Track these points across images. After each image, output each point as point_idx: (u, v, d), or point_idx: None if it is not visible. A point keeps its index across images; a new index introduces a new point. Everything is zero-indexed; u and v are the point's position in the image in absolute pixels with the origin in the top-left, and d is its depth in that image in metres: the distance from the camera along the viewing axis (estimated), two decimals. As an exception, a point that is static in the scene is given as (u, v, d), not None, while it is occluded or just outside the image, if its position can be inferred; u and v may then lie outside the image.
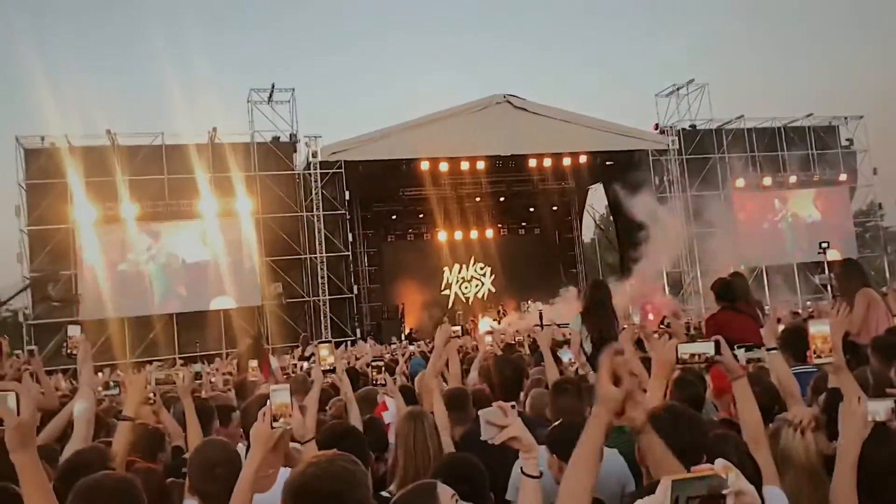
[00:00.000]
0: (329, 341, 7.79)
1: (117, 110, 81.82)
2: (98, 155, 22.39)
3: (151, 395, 4.33)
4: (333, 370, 5.01)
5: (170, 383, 4.41)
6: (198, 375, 5.15)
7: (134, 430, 3.82)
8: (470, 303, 31.22)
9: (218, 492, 2.84)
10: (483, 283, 31.88)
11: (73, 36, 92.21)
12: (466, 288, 31.85)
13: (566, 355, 5.58)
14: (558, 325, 13.58)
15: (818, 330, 3.03)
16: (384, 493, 3.35)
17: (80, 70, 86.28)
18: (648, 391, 3.11)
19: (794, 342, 4.44)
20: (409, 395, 5.16)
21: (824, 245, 13.47)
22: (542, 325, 17.57)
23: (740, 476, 1.53)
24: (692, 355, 3.01)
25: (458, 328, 11.70)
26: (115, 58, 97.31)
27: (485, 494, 2.94)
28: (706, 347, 2.96)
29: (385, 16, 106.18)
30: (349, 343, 21.57)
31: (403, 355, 11.77)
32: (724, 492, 1.48)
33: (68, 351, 4.62)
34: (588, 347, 6.57)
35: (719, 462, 1.55)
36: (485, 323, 25.52)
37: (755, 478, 2.54)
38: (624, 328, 7.14)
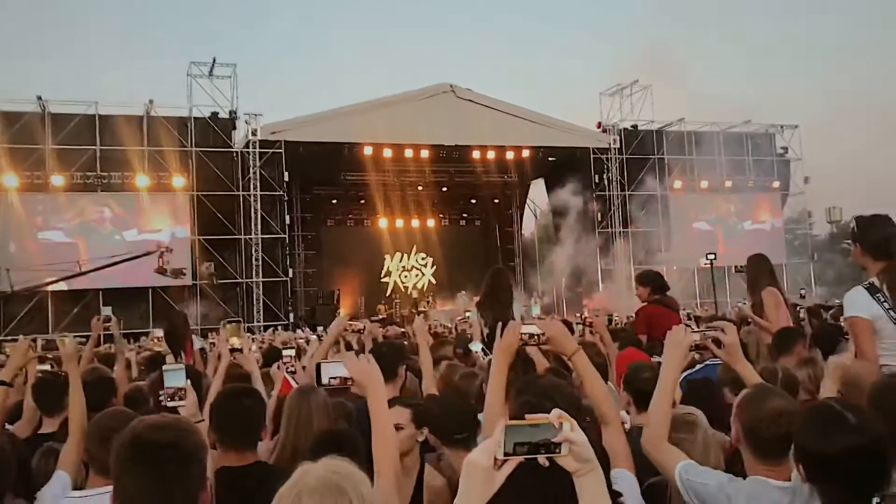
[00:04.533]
0: (238, 321, 7.69)
1: (49, 77, 78.89)
2: (26, 121, 21.62)
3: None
4: (240, 350, 5.00)
5: (54, 350, 4.30)
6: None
7: (7, 394, 3.88)
8: (409, 292, 31.15)
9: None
10: (424, 274, 31.87)
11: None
12: (406, 277, 31.79)
13: (476, 346, 5.60)
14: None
15: None
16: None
17: (10, 33, 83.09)
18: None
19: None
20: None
21: (710, 257, 13.75)
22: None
23: (576, 426, 1.52)
24: (530, 336, 2.97)
25: (358, 322, 11.58)
26: (50, 24, 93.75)
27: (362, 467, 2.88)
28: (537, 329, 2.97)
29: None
30: (280, 327, 21.39)
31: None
32: (554, 440, 1.50)
33: None
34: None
35: (555, 412, 1.53)
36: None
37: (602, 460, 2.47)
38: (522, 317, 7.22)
